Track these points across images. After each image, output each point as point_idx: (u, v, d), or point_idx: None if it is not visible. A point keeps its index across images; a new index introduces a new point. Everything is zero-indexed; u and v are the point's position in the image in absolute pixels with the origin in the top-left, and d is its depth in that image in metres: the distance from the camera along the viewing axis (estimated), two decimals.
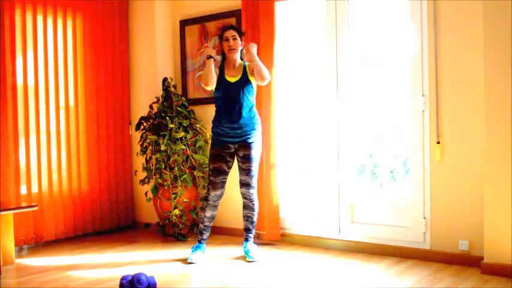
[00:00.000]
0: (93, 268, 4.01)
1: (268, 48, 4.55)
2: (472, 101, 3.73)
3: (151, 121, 4.99)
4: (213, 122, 4.20)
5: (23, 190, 4.65)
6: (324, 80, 4.46)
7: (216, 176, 4.10)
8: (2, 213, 3.99)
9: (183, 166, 4.85)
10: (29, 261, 4.27)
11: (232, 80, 4.06)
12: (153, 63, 5.37)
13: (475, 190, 3.71)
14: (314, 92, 4.67)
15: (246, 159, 4.08)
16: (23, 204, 4.30)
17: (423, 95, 3.95)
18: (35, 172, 4.71)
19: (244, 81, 4.06)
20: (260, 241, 4.60)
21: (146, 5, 5.41)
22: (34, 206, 4.24)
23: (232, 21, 4.88)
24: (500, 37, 3.47)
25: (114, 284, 3.51)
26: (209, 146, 4.98)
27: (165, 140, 4.77)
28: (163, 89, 5.09)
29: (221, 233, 5.01)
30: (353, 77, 4.36)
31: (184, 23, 5.35)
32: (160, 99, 5.07)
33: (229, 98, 4.04)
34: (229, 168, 4.15)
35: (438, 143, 3.88)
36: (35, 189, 4.72)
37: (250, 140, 4.07)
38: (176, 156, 4.78)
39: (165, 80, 5.09)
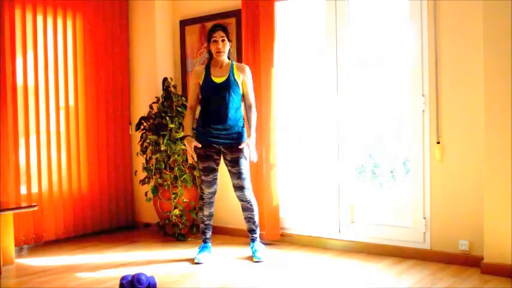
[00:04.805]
0: (93, 268, 4.01)
1: (268, 48, 4.55)
2: (472, 101, 3.73)
3: (151, 121, 4.99)
4: (197, 120, 4.13)
5: (23, 190, 4.65)
6: (324, 81, 4.46)
7: (207, 174, 4.09)
8: (2, 213, 3.99)
9: (183, 166, 4.85)
10: (29, 261, 4.27)
11: (219, 80, 3.98)
12: (153, 63, 5.37)
13: (475, 190, 3.71)
14: (314, 93, 4.67)
15: (235, 163, 4.02)
16: (23, 204, 4.30)
17: (423, 95, 3.95)
18: (35, 172, 4.71)
19: (231, 82, 3.98)
20: (260, 241, 4.60)
21: (146, 5, 5.41)
22: (34, 206, 4.23)
23: (232, 21, 4.88)
24: (500, 37, 3.47)
25: (114, 284, 3.51)
26: None
27: (165, 140, 4.77)
28: (163, 89, 5.09)
29: (221, 233, 5.01)
30: (353, 77, 4.36)
31: (184, 23, 5.35)
32: (160, 99, 5.07)
33: (216, 99, 3.97)
34: (218, 165, 4.13)
35: (438, 143, 3.88)
36: (35, 189, 4.72)
37: (236, 143, 4.01)
38: (176, 156, 4.78)
39: (165, 80, 5.09)
